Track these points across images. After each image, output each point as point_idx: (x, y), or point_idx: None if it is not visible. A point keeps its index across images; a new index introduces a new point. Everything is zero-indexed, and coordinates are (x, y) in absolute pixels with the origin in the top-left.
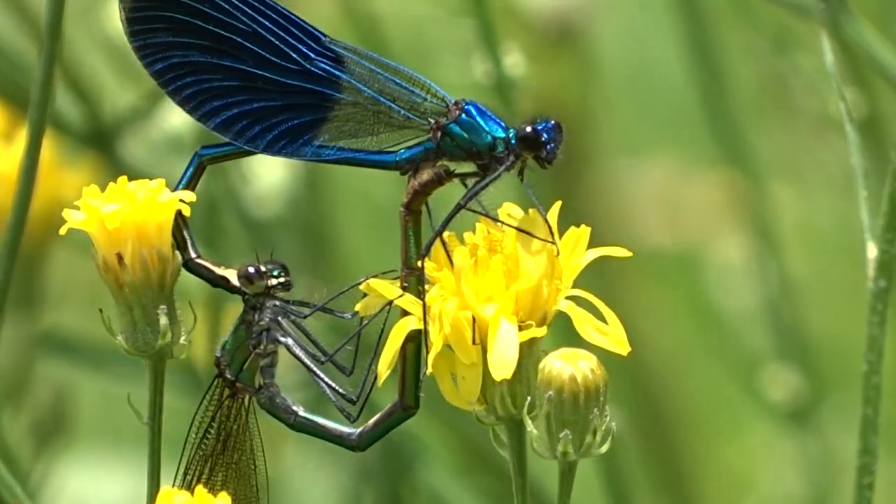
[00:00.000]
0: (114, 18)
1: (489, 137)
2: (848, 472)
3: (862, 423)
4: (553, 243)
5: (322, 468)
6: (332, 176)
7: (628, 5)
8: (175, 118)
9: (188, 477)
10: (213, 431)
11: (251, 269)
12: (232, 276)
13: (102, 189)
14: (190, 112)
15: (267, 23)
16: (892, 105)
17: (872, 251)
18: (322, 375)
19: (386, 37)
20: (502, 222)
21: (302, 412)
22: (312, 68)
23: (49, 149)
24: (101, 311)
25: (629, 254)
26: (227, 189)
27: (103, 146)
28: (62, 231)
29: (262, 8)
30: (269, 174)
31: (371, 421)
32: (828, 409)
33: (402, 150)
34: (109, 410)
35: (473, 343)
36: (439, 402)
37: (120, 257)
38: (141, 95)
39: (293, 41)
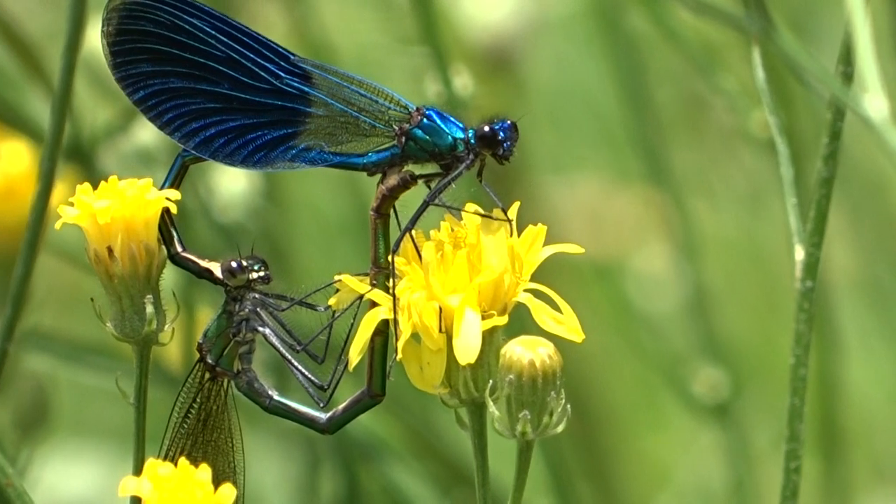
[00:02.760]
0: (90, 39)
1: (450, 138)
2: (760, 463)
3: (790, 412)
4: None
5: (275, 459)
6: (288, 190)
7: (555, 36)
8: (145, 134)
9: (171, 453)
10: (193, 412)
11: (234, 264)
12: (216, 268)
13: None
14: (170, 134)
15: (240, 47)
16: (807, 121)
17: (800, 254)
18: (296, 363)
19: (338, 63)
20: (467, 211)
21: (276, 396)
22: (283, 86)
23: (32, 160)
24: (92, 300)
25: (582, 250)
26: (195, 197)
27: (81, 159)
28: (57, 226)
29: (235, 34)
30: (231, 185)
31: (340, 406)
32: (739, 404)
33: (370, 154)
34: (79, 406)
35: (440, 331)
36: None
37: (110, 250)
38: (115, 112)
39: (264, 62)
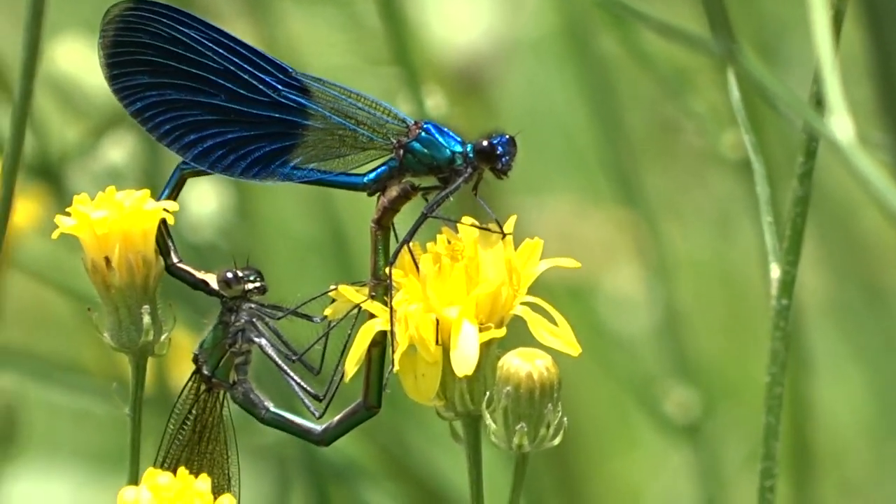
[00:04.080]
0: (58, 60)
1: (448, 152)
2: (731, 483)
3: (765, 431)
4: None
5: (246, 478)
6: (258, 208)
7: (527, 57)
8: (114, 153)
9: (166, 465)
10: (189, 423)
11: (229, 275)
12: (211, 280)
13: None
14: (168, 145)
15: (237, 59)
16: (775, 145)
17: (776, 272)
18: (292, 374)
19: None
20: (464, 224)
21: (272, 408)
22: (281, 99)
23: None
24: (89, 309)
25: (578, 265)
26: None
27: (51, 178)
28: (54, 235)
29: (233, 45)
30: (202, 205)
31: (336, 418)
32: (710, 424)
33: (369, 173)
34: (48, 424)
35: (436, 343)
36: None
37: (107, 260)
38: (85, 131)
39: (262, 75)
